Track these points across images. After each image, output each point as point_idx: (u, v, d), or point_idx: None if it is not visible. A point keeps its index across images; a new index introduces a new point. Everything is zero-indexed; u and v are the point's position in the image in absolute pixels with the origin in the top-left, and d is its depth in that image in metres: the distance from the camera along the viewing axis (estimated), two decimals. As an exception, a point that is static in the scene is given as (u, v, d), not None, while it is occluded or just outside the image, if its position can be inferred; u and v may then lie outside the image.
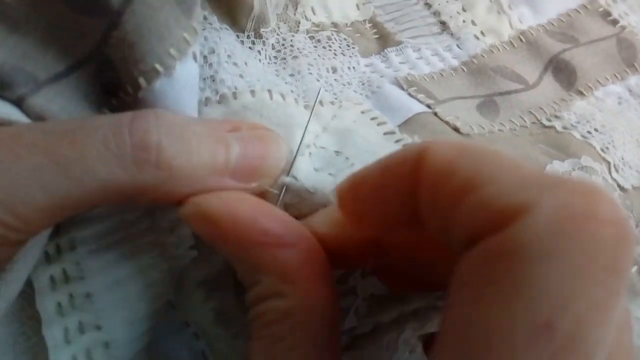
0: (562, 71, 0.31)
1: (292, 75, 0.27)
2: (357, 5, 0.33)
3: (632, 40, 0.33)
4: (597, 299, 0.12)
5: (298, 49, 0.28)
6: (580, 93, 0.30)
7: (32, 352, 0.21)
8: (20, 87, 0.20)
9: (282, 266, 0.18)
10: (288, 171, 0.22)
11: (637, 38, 0.33)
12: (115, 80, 0.21)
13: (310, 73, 0.27)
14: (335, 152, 0.23)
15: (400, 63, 0.30)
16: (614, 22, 0.33)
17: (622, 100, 0.30)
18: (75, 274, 0.21)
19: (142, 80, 0.20)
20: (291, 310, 0.17)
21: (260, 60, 0.27)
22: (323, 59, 0.29)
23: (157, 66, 0.20)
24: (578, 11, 0.34)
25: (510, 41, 0.32)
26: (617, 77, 0.31)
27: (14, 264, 0.19)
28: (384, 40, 0.31)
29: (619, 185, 0.25)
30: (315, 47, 0.29)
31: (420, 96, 0.27)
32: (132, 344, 0.22)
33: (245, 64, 0.25)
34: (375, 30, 0.32)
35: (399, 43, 0.31)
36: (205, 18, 0.26)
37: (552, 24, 0.33)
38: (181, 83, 0.21)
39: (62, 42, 0.20)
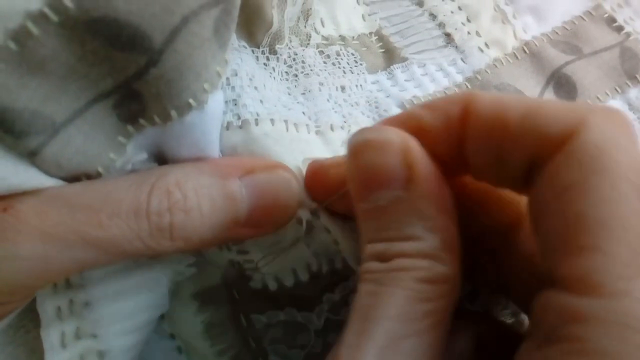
0: (563, 87, 0.31)
1: (303, 94, 0.28)
2: (362, 17, 0.33)
3: (636, 50, 0.33)
4: None
5: (309, 65, 0.29)
6: (581, 110, 0.31)
7: (30, 345, 0.22)
8: (39, 136, 0.19)
9: (451, 237, 0.19)
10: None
11: (640, 47, 0.33)
12: (138, 110, 0.20)
13: (321, 92, 0.28)
14: None
15: (405, 81, 0.31)
16: (619, 29, 0.34)
17: (621, 116, 0.31)
18: (77, 281, 0.22)
19: (174, 113, 0.20)
20: (447, 280, 0.18)
21: (274, 78, 0.28)
22: (333, 77, 0.29)
23: (191, 101, 0.20)
24: (583, 18, 0.34)
25: (514, 53, 0.32)
26: (617, 90, 0.32)
27: None
28: (389, 55, 0.32)
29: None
30: (324, 63, 0.30)
31: None
32: (125, 354, 0.23)
33: (264, 86, 0.26)
34: (381, 44, 0.32)
35: (404, 59, 0.31)
36: None
37: (557, 33, 0.33)
38: (210, 114, 0.21)
39: (87, 78, 0.19)
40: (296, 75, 0.28)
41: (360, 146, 0.19)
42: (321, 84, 0.28)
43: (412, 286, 0.18)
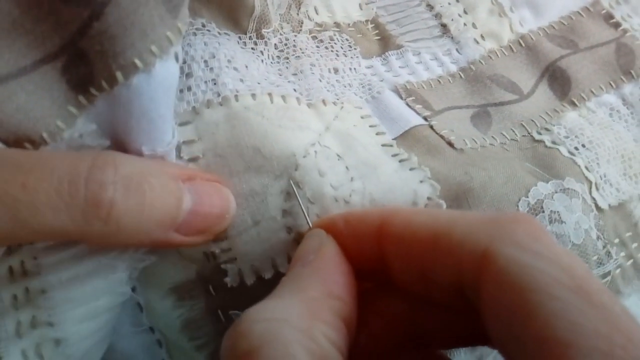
0: (557, 80, 0.32)
1: (295, 74, 0.29)
2: (359, 5, 0.34)
3: (632, 46, 0.34)
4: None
5: (301, 49, 0.30)
6: (573, 104, 0.32)
7: None
8: None
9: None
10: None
11: (638, 43, 0.34)
12: (87, 75, 0.20)
13: (313, 73, 0.29)
14: (338, 155, 0.25)
15: (400, 67, 0.32)
16: (616, 25, 0.35)
17: (614, 112, 0.32)
18: (32, 268, 0.22)
19: (119, 75, 0.20)
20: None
21: (262, 61, 0.29)
22: (325, 59, 0.30)
23: (137, 61, 0.20)
24: (580, 13, 0.35)
25: (510, 46, 0.34)
26: (612, 85, 0.33)
27: None
28: (385, 42, 0.33)
29: (596, 206, 0.27)
30: (317, 47, 0.31)
31: (418, 107, 0.29)
32: (84, 341, 0.23)
33: (246, 67, 0.27)
34: (377, 31, 0.33)
35: (399, 47, 0.33)
36: (203, 25, 0.28)
37: (553, 27, 0.35)
38: (158, 81, 0.21)
39: (32, 35, 0.19)
40: (287, 58, 0.29)
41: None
42: (312, 65, 0.29)
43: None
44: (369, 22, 0.34)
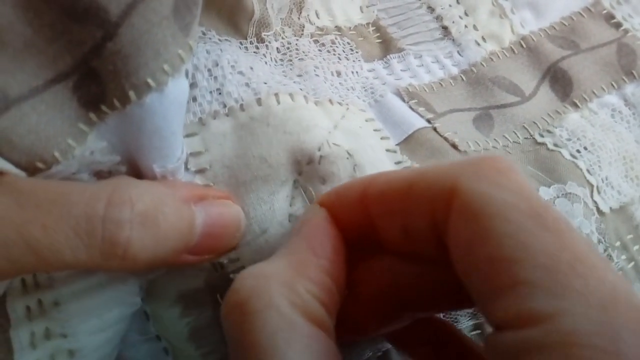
0: (559, 81, 0.33)
1: (300, 75, 0.29)
2: (360, 8, 0.35)
3: (633, 46, 0.34)
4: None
5: (303, 52, 0.30)
6: (575, 105, 0.32)
7: (8, 345, 0.22)
8: None
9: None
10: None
11: (639, 43, 0.34)
12: (98, 94, 0.21)
13: (317, 75, 0.29)
14: (348, 152, 0.25)
15: (401, 70, 0.32)
16: (617, 25, 0.35)
17: (615, 113, 0.33)
18: (45, 281, 0.23)
19: (132, 94, 0.20)
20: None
21: (266, 63, 0.29)
22: (328, 62, 0.31)
23: (150, 81, 0.20)
24: (581, 14, 0.35)
25: (511, 47, 0.34)
26: (613, 86, 0.33)
27: None
28: (386, 45, 0.33)
29: (597, 209, 0.28)
30: (319, 50, 0.31)
31: (421, 110, 0.30)
32: (97, 351, 0.23)
33: (251, 68, 0.27)
34: (378, 34, 0.34)
35: (401, 50, 0.33)
36: (203, 34, 0.28)
37: (554, 28, 0.35)
38: (170, 99, 0.21)
39: (44, 55, 0.20)
40: (290, 60, 0.30)
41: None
42: (316, 67, 0.30)
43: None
44: (370, 25, 0.34)
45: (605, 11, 0.36)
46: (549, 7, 0.35)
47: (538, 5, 0.35)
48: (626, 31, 0.35)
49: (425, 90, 0.31)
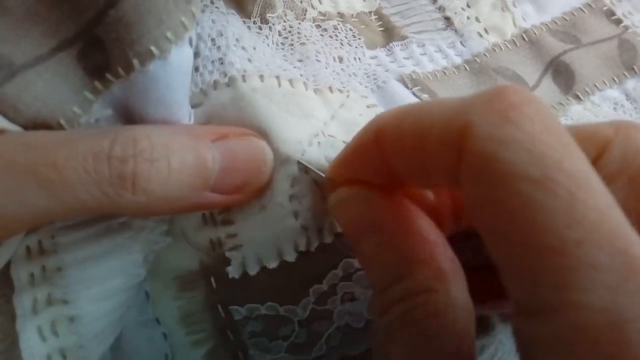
0: (562, 74, 0.33)
1: (300, 60, 0.29)
2: None
3: (634, 42, 0.35)
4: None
5: (305, 36, 0.30)
6: (577, 97, 0.32)
7: (11, 314, 0.23)
8: None
9: (438, 263, 0.19)
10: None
11: (639, 40, 0.35)
12: (102, 61, 0.21)
13: (319, 60, 0.29)
14: (344, 142, 0.25)
15: (404, 58, 0.32)
16: (618, 22, 0.36)
17: (618, 106, 0.33)
18: (49, 247, 0.23)
19: (135, 62, 0.20)
20: (448, 307, 0.18)
21: (268, 45, 0.29)
22: (330, 47, 0.30)
23: (153, 48, 0.20)
24: (582, 10, 0.36)
25: (513, 40, 0.34)
26: (615, 80, 0.34)
27: None
28: (389, 33, 0.33)
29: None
30: (322, 35, 0.31)
31: (424, 97, 0.30)
32: (98, 320, 0.23)
33: (254, 48, 0.27)
34: (380, 22, 0.34)
35: (404, 38, 0.33)
36: (212, 2, 0.27)
37: (556, 23, 0.35)
38: (174, 67, 0.21)
39: (47, 22, 0.20)
40: (292, 45, 0.29)
41: (336, 205, 0.22)
42: (318, 52, 0.29)
43: (413, 329, 0.18)
44: (372, 14, 0.34)
45: (605, 7, 0.36)
46: (550, 2, 0.35)
47: (540, -1, 0.35)
48: (626, 27, 0.35)
49: (429, 78, 0.31)
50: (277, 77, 0.25)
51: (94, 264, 0.23)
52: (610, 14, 0.36)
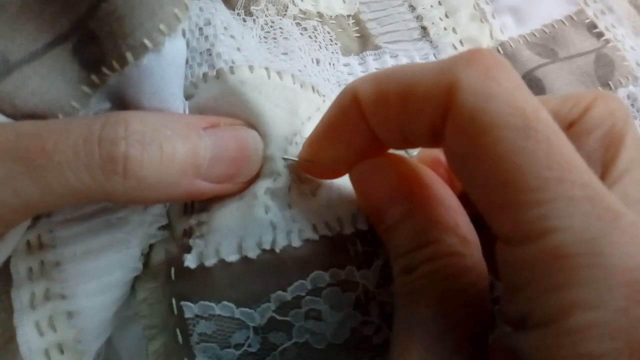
0: (532, 89, 0.33)
1: (285, 54, 0.29)
2: None
3: (612, 57, 0.35)
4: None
5: (288, 32, 0.30)
6: (545, 114, 0.33)
7: (9, 309, 0.23)
8: None
9: (464, 230, 0.21)
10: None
11: (618, 54, 0.35)
12: (98, 55, 0.21)
13: (301, 57, 0.29)
14: None
15: (376, 69, 0.33)
16: (599, 35, 0.36)
17: (586, 124, 0.33)
18: (48, 241, 0.23)
19: (129, 56, 0.21)
20: (471, 269, 0.20)
21: (252, 37, 0.29)
22: (309, 47, 0.31)
23: (146, 42, 0.21)
24: (563, 22, 0.36)
25: (488, 52, 0.34)
26: (588, 96, 0.34)
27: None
28: (364, 40, 0.34)
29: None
30: (301, 34, 0.31)
31: None
32: (96, 315, 0.23)
33: (242, 37, 0.27)
34: (357, 28, 0.34)
35: (377, 47, 0.33)
36: None
37: (535, 35, 0.35)
38: (168, 60, 0.22)
39: (41, 18, 0.20)
40: (275, 39, 0.30)
41: (358, 177, 0.23)
42: (300, 49, 0.30)
43: (440, 285, 0.20)
44: (351, 18, 0.34)
45: (588, 20, 0.36)
46: (531, 14, 0.35)
47: (520, 10, 0.35)
48: (607, 41, 0.35)
49: (396, 93, 0.32)
50: (267, 69, 0.25)
51: (93, 258, 0.23)
52: (592, 26, 0.36)
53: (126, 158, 0.20)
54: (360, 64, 0.33)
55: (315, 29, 0.32)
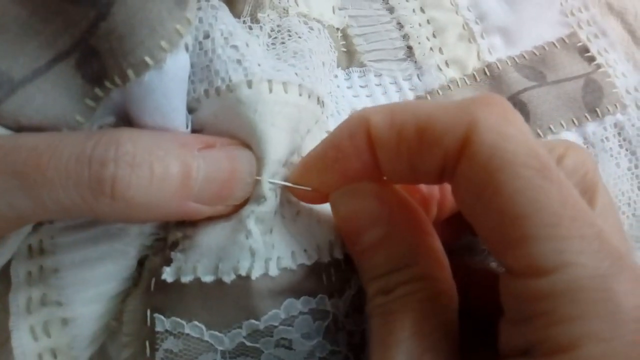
0: (516, 114, 0.33)
1: (295, 54, 0.28)
2: (333, 9, 0.35)
3: (601, 83, 0.35)
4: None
5: (296, 32, 0.29)
6: (527, 141, 0.33)
7: (5, 312, 0.24)
8: None
9: (437, 255, 0.22)
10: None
11: (607, 81, 0.35)
12: (100, 70, 0.21)
13: (311, 57, 0.28)
14: None
15: (360, 87, 0.34)
16: (590, 59, 0.35)
17: (570, 151, 0.33)
18: (49, 247, 0.24)
19: (130, 73, 0.21)
20: (444, 292, 0.22)
21: (259, 45, 0.28)
22: (318, 48, 0.30)
23: (147, 59, 0.21)
24: (555, 45, 0.35)
25: (474, 74, 0.35)
26: (574, 122, 0.34)
27: None
28: (350, 56, 0.34)
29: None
30: (309, 32, 0.30)
31: None
32: (91, 323, 0.24)
33: (247, 45, 0.26)
34: (344, 42, 0.34)
35: (363, 65, 0.34)
36: None
37: (524, 57, 0.35)
38: (170, 75, 0.22)
39: (42, 36, 0.20)
40: (283, 43, 0.29)
41: (338, 200, 0.24)
42: (310, 50, 0.29)
43: (416, 307, 0.21)
44: (339, 31, 0.34)
45: (580, 44, 0.36)
46: (522, 34, 0.35)
47: (510, 31, 0.35)
48: (598, 66, 0.35)
49: (376, 115, 0.32)
50: (269, 81, 0.25)
51: (91, 267, 0.24)
52: (584, 50, 0.35)
53: (114, 179, 0.20)
54: (345, 79, 0.34)
55: (320, 32, 0.31)
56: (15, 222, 0.22)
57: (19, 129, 0.22)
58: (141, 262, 0.26)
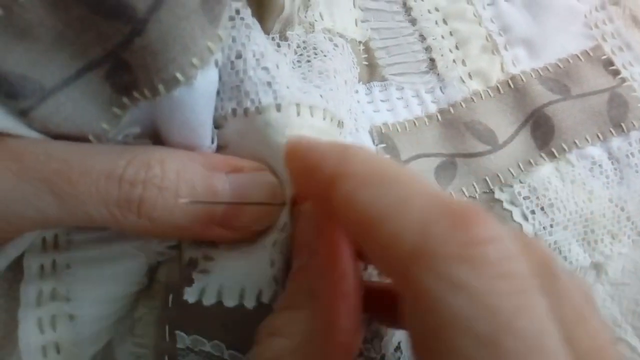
0: (541, 127, 0.33)
1: (320, 74, 0.28)
2: (355, 21, 0.35)
3: (627, 98, 0.34)
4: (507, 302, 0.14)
5: (322, 51, 0.29)
6: (552, 154, 0.33)
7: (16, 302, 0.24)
8: (26, 100, 0.21)
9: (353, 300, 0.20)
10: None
11: (633, 95, 0.34)
12: (130, 81, 0.22)
13: (335, 77, 0.28)
14: None
15: (381, 101, 0.34)
16: (615, 73, 0.35)
17: (595, 167, 0.33)
18: (63, 243, 0.24)
19: (161, 88, 0.21)
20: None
21: (286, 64, 0.28)
22: (342, 65, 0.30)
23: (179, 75, 0.21)
24: (579, 57, 0.35)
25: (497, 86, 0.34)
26: (599, 137, 0.34)
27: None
28: (371, 70, 0.34)
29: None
30: (334, 48, 0.30)
31: (386, 157, 0.31)
32: (95, 322, 0.25)
33: (277, 66, 0.26)
34: (366, 55, 0.35)
35: (384, 79, 0.34)
36: (237, 12, 0.26)
37: (548, 69, 0.35)
38: (200, 91, 0.22)
39: (75, 46, 0.21)
40: (309, 61, 0.29)
41: (299, 214, 0.23)
42: (335, 70, 0.29)
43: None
44: (362, 44, 0.35)
45: (605, 57, 0.35)
46: (546, 47, 0.35)
47: (534, 43, 0.35)
48: (623, 80, 0.35)
49: (398, 130, 0.32)
50: (297, 105, 0.25)
51: (101, 266, 0.24)
52: (608, 63, 0.35)
53: (141, 200, 0.22)
54: (366, 93, 0.34)
55: (344, 48, 0.31)
56: (41, 224, 0.22)
57: (46, 135, 0.22)
58: (151, 269, 0.26)
